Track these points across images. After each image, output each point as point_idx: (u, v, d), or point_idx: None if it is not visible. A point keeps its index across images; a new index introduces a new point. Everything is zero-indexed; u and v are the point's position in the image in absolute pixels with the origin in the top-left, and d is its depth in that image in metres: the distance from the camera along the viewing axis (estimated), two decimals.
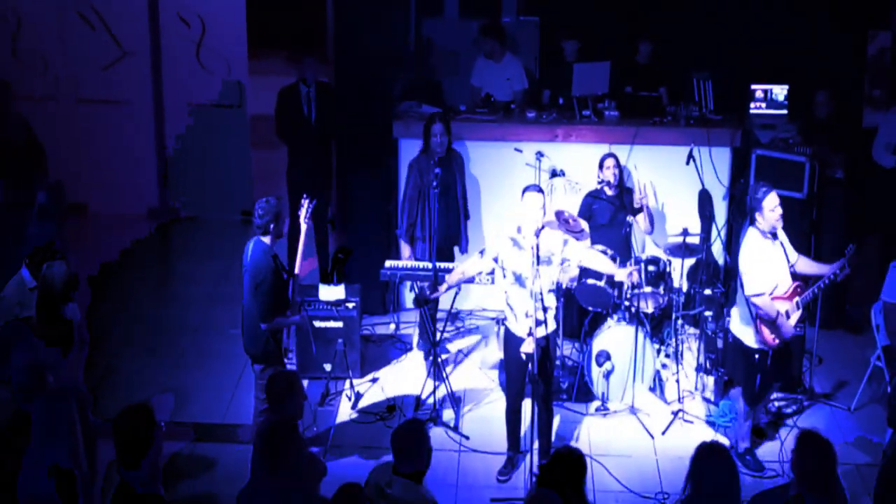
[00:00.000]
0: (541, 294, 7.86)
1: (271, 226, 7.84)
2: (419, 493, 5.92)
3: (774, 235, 8.11)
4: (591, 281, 9.22)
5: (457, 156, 9.94)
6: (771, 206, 7.95)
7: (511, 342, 8.19)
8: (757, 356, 8.33)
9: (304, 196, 8.53)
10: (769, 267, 8.11)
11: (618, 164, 9.72)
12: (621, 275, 8.54)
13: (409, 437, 6.07)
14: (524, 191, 8.04)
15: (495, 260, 8.11)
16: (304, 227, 8.37)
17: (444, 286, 8.70)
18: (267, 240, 7.87)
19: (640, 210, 9.80)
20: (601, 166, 9.73)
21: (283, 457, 6.00)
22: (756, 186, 8.31)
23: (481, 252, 8.43)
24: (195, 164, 13.05)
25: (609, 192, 9.68)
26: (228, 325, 9.05)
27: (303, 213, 8.36)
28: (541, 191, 8.09)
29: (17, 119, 11.09)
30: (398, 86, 11.10)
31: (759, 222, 8.04)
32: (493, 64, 11.15)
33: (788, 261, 8.17)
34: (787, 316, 8.13)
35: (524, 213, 7.91)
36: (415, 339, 10.29)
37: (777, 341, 8.17)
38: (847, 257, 8.12)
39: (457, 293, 9.64)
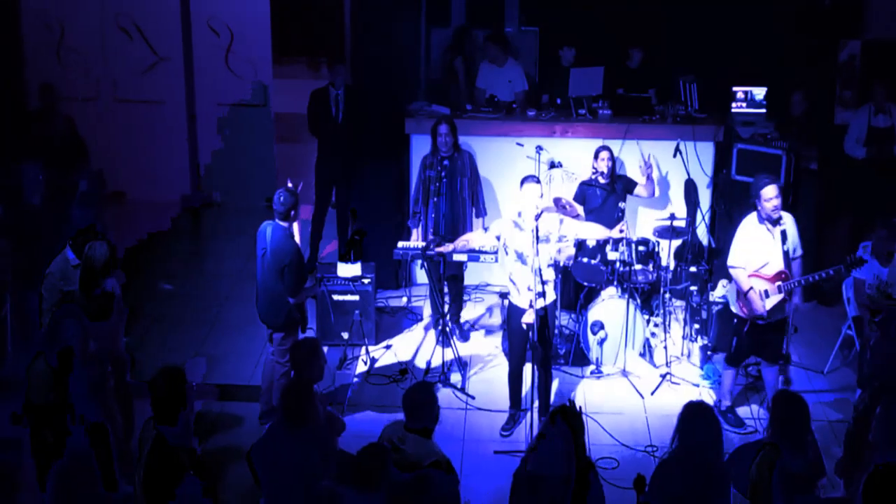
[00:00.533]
0: (540, 269, 8.10)
1: (291, 212, 8.17)
2: (429, 446, 6.03)
3: (774, 223, 8.32)
4: (585, 259, 9.48)
5: (463, 155, 10.03)
6: (767, 197, 8.23)
7: (514, 313, 8.42)
8: (735, 321, 8.66)
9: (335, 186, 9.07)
10: (753, 247, 8.37)
11: (611, 157, 9.91)
12: (614, 233, 8.87)
13: (419, 397, 6.18)
14: (523, 181, 8.28)
15: (497, 238, 8.36)
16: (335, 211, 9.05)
17: (451, 246, 8.96)
18: (286, 224, 8.17)
19: (637, 184, 10.04)
20: (596, 157, 9.90)
21: (303, 413, 6.16)
22: (759, 177, 8.55)
23: (485, 228, 8.68)
24: (224, 157, 13.18)
25: (602, 180, 9.87)
26: (254, 298, 9.34)
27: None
28: (538, 181, 8.33)
29: (62, 117, 11.17)
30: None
31: (759, 209, 8.32)
32: (496, 68, 11.31)
33: (787, 250, 8.33)
34: (766, 295, 8.34)
35: (524, 199, 8.16)
36: (426, 312, 10.51)
37: (746, 311, 8.42)
38: (845, 264, 8.38)
39: (464, 269, 10.02)
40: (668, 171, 10.54)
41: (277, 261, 8.12)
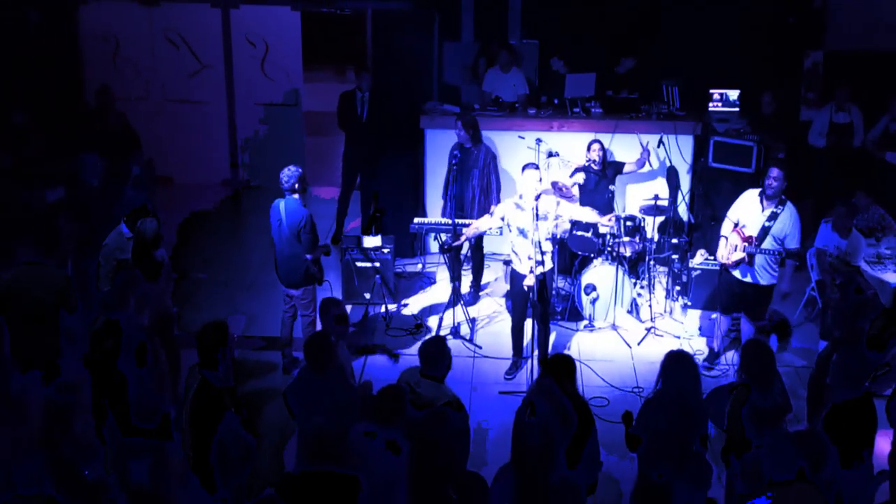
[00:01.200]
0: (539, 242, 8.62)
1: (296, 185, 8.69)
2: (442, 389, 6.33)
3: (769, 199, 8.78)
4: (579, 232, 9.91)
5: (481, 148, 10.37)
6: (769, 175, 8.81)
7: (516, 278, 8.93)
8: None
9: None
10: (742, 206, 8.91)
11: (602, 148, 10.36)
12: (604, 221, 9.26)
13: (433, 349, 6.47)
14: (524, 168, 8.78)
15: (502, 219, 8.82)
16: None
17: (463, 237, 9.41)
18: (296, 196, 8.69)
19: (625, 164, 10.54)
20: (589, 149, 10.38)
21: (324, 362, 6.47)
22: (769, 163, 9.19)
23: (491, 213, 9.10)
24: (259, 147, 13.61)
25: (594, 167, 10.32)
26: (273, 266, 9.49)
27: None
28: (537, 167, 8.83)
29: (117, 113, 11.52)
30: None
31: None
32: (502, 74, 11.79)
33: (769, 226, 8.73)
34: (734, 249, 8.85)
35: (525, 183, 8.67)
36: (439, 276, 10.99)
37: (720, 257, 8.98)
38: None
39: (471, 243, 10.44)
40: (655, 156, 10.97)
41: (293, 226, 8.63)
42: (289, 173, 8.72)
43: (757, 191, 8.92)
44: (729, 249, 8.92)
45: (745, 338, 9.20)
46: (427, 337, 6.88)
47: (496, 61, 11.97)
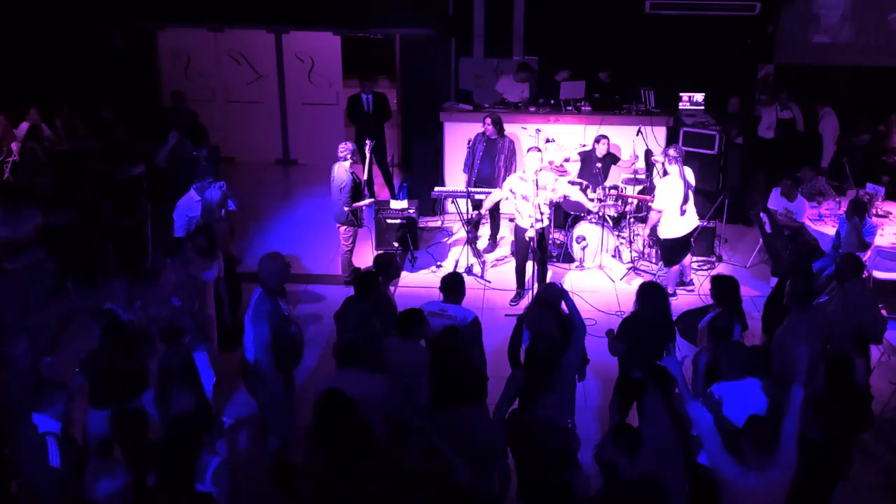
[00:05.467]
0: (539, 205, 9.32)
1: (348, 155, 9.64)
2: (463, 309, 6.84)
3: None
4: (572, 198, 10.39)
5: (505, 139, 10.91)
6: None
7: (518, 231, 9.56)
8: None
9: (368, 140, 10.56)
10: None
11: (608, 143, 11.01)
12: (588, 204, 10.01)
13: (453, 279, 7.00)
14: (528, 150, 9.48)
15: (511, 190, 9.47)
16: (367, 155, 10.31)
17: (484, 208, 10.10)
18: (347, 164, 9.60)
19: (619, 159, 11.19)
20: (598, 141, 11.02)
21: (367, 291, 6.89)
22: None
23: (501, 187, 9.71)
24: (307, 133, 14.33)
25: (599, 154, 11.06)
26: (328, 222, 10.37)
27: (367, 148, 10.38)
28: (539, 150, 9.55)
29: (188, 112, 12.46)
30: None
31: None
32: (513, 83, 12.53)
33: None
34: None
35: (528, 161, 9.38)
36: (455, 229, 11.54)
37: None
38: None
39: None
40: (633, 144, 11.69)
41: (337, 185, 9.62)
42: (343, 147, 9.73)
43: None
44: None
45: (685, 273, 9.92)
46: (447, 273, 7.22)
47: (515, 76, 12.63)
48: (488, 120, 10.89)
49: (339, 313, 7.02)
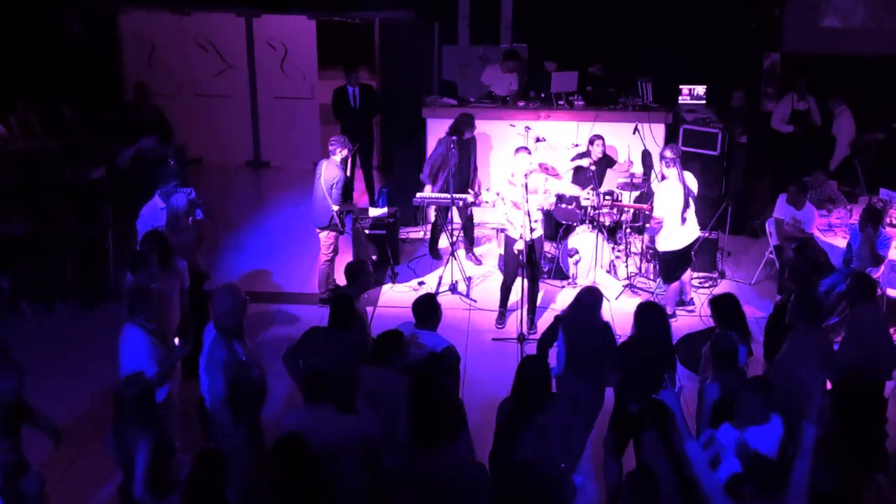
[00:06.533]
0: (530, 212, 8.80)
1: (338, 148, 9.21)
2: (439, 337, 6.37)
3: None
4: (564, 205, 10.10)
5: (474, 138, 10.67)
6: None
7: (508, 243, 9.08)
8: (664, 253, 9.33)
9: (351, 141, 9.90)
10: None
11: (604, 144, 10.53)
12: (584, 194, 9.53)
13: (426, 303, 6.50)
14: (516, 151, 8.97)
15: (497, 194, 9.10)
16: (348, 158, 9.68)
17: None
18: (338, 159, 9.16)
19: (616, 163, 10.74)
20: (592, 143, 10.51)
21: (344, 320, 6.43)
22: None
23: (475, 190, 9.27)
24: (280, 132, 13.79)
25: (593, 168, 10.52)
26: (303, 232, 9.95)
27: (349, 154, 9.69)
28: (528, 151, 9.04)
29: (153, 107, 11.80)
30: None
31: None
32: (500, 73, 11.99)
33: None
34: None
35: (516, 164, 8.88)
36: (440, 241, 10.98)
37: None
38: None
39: (467, 215, 10.66)
40: (629, 145, 11.10)
41: (327, 181, 9.13)
42: (333, 140, 9.32)
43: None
44: None
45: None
46: (419, 294, 6.80)
47: (502, 65, 12.13)
48: (476, 123, 10.53)
49: (294, 353, 6.54)
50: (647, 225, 9.54)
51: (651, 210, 9.27)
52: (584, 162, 10.59)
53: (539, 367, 5.54)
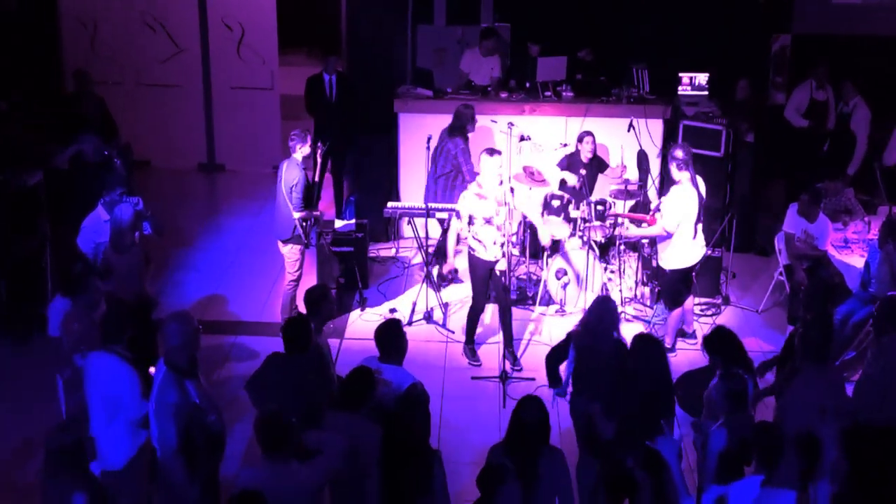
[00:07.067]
0: (504, 226, 8.11)
1: (298, 146, 8.43)
2: (405, 373, 5.95)
3: None
4: (549, 216, 9.29)
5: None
6: None
7: (478, 265, 8.28)
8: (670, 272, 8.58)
9: (318, 141, 9.10)
10: None
11: (594, 142, 9.80)
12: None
13: (389, 332, 6.05)
14: (489, 153, 8.03)
15: (470, 217, 8.15)
16: (318, 161, 8.99)
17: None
18: (299, 157, 8.43)
19: (607, 167, 10.09)
20: (580, 141, 9.84)
21: (301, 344, 6.03)
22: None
23: (458, 215, 8.29)
24: (235, 131, 12.98)
25: (583, 157, 9.87)
26: (262, 248, 9.25)
27: (319, 151, 8.99)
28: (499, 153, 8.12)
29: (95, 98, 10.97)
30: None
31: None
32: (479, 58, 11.19)
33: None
34: None
35: (487, 170, 8.02)
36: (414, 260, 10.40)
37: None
38: None
39: (445, 228, 9.70)
40: (623, 144, 10.36)
41: (287, 184, 8.38)
42: (294, 134, 8.60)
43: None
44: None
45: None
46: (381, 322, 6.26)
47: (480, 47, 11.30)
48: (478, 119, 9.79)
49: (257, 380, 6.19)
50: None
51: (653, 223, 8.53)
52: (571, 178, 9.81)
53: (539, 410, 5.20)
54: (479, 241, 8.15)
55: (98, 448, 5.85)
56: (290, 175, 8.40)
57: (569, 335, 6.56)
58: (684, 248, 8.35)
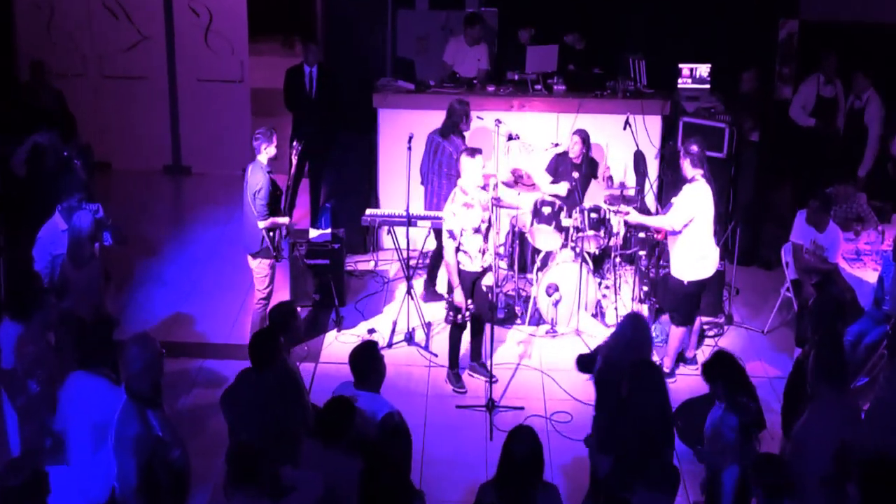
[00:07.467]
0: (488, 234, 7.76)
1: (262, 146, 7.85)
2: (381, 401, 5.71)
3: None
4: (540, 225, 8.91)
5: None
6: None
7: (464, 278, 7.83)
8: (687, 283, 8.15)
9: (295, 140, 8.59)
10: None
11: (583, 140, 9.29)
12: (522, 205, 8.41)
13: (364, 356, 5.81)
14: (471, 153, 7.66)
15: (462, 233, 7.75)
16: (293, 162, 8.45)
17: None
18: (264, 159, 7.91)
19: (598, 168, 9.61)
20: (571, 138, 9.38)
21: (266, 360, 5.83)
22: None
23: (452, 236, 7.74)
24: (203, 130, 12.54)
25: (573, 156, 9.37)
26: (232, 260, 8.85)
27: (294, 152, 8.48)
28: (479, 152, 7.77)
29: (53, 91, 10.64)
30: None
31: None
32: (465, 46, 10.78)
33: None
34: None
35: (472, 172, 7.63)
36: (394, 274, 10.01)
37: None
38: None
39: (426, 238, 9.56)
40: (608, 143, 10.03)
41: (250, 189, 7.89)
42: (257, 135, 8.01)
43: None
44: None
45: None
46: (356, 345, 5.96)
47: (465, 35, 10.81)
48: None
49: (228, 396, 6.09)
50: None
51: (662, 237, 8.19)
52: (561, 188, 9.34)
53: (532, 444, 4.97)
54: (465, 252, 7.73)
55: (80, 480, 5.65)
56: (254, 179, 7.90)
57: (598, 348, 6.51)
58: (702, 255, 7.92)
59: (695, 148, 7.86)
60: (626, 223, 8.86)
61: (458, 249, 7.69)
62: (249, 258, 8.16)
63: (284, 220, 8.11)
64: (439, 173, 9.04)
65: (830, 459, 5.34)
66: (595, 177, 9.57)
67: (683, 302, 8.08)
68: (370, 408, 5.57)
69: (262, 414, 5.67)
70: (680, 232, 7.79)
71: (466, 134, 9.29)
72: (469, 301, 7.80)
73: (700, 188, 7.80)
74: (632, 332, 6.16)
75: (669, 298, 8.32)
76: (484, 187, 7.75)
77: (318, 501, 5.05)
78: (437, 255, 9.38)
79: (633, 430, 5.63)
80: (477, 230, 7.65)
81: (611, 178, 9.54)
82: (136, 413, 5.31)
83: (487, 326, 8.07)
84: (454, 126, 9.09)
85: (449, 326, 8.58)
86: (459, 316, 7.84)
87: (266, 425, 5.63)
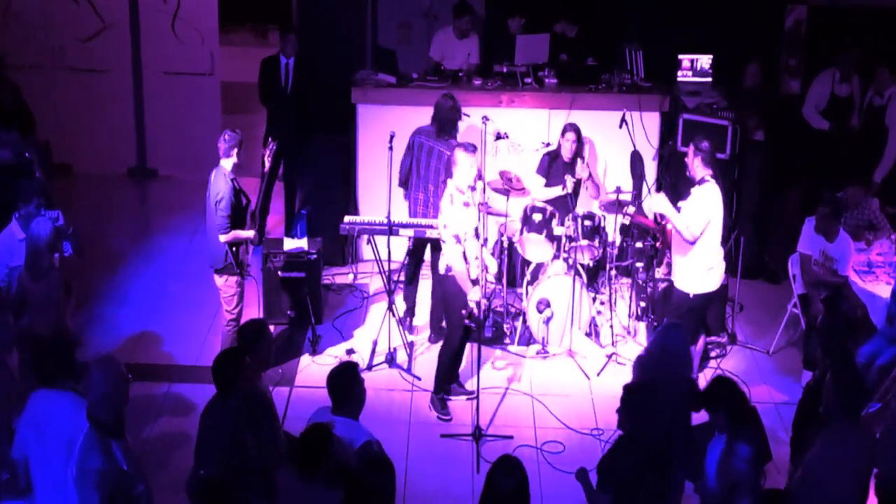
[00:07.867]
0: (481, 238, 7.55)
1: (232, 151, 7.46)
2: (359, 429, 5.55)
3: None
4: (530, 234, 8.56)
5: None
6: None
7: (460, 291, 7.50)
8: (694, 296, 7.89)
9: (270, 139, 8.16)
10: None
11: (577, 138, 8.94)
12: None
13: (343, 379, 5.64)
14: (465, 149, 7.38)
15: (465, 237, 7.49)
16: (267, 163, 8.01)
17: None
18: (228, 166, 7.49)
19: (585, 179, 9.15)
20: (563, 135, 9.01)
21: (230, 383, 5.63)
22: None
23: (458, 239, 7.41)
24: (170, 129, 12.17)
25: (565, 156, 9.00)
26: (202, 274, 8.52)
27: (268, 153, 8.02)
28: (474, 149, 7.49)
29: (9, 85, 10.20)
30: None
31: None
32: (453, 40, 10.34)
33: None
34: None
35: (465, 170, 7.32)
36: (372, 288, 9.64)
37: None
38: None
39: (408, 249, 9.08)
40: (592, 140, 9.65)
41: (214, 198, 7.50)
42: (226, 138, 7.59)
43: None
44: None
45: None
46: (334, 366, 5.77)
47: (454, 27, 10.38)
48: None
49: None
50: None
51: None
52: (559, 192, 8.97)
53: (517, 477, 4.89)
54: (466, 259, 7.41)
55: None
56: (216, 187, 7.48)
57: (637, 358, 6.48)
58: (709, 266, 7.60)
59: (706, 144, 7.56)
60: (629, 219, 8.63)
61: (462, 257, 7.40)
62: (215, 275, 7.78)
63: (248, 234, 7.67)
64: (436, 181, 8.54)
65: (844, 491, 5.27)
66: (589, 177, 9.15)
67: (687, 317, 7.71)
68: (347, 435, 5.42)
69: (225, 441, 5.47)
70: (695, 241, 7.46)
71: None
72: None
73: (712, 190, 7.49)
74: (661, 348, 6.11)
75: (672, 313, 7.93)
76: (471, 189, 7.44)
77: None
78: (413, 276, 9.03)
79: (634, 461, 5.40)
80: (476, 233, 7.42)
81: (594, 181, 9.10)
82: (98, 444, 5.15)
83: (473, 347, 7.81)
84: (452, 124, 8.66)
85: (433, 346, 8.28)
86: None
87: (229, 455, 5.42)
